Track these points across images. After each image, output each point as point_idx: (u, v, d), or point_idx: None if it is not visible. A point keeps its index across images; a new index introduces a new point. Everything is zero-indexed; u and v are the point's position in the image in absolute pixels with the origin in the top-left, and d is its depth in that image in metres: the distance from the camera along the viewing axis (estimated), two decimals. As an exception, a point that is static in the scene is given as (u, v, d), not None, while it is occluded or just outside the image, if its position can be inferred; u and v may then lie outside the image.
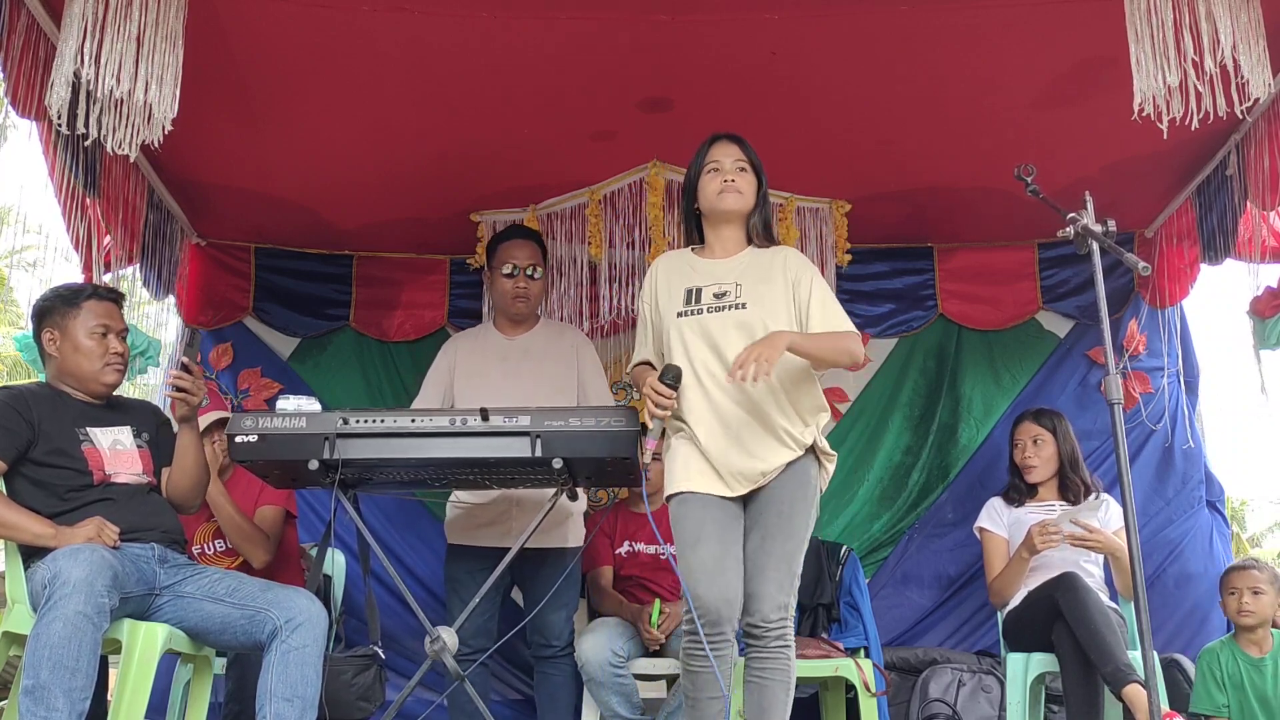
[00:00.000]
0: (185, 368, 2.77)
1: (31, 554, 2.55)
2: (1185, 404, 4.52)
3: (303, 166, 3.92)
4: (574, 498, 2.94)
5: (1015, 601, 3.55)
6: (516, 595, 3.60)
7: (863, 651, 3.68)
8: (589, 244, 4.01)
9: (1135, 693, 2.91)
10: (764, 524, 2.57)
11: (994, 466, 4.42)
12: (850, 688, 3.48)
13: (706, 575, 2.50)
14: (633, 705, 3.33)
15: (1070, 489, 3.70)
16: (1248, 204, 3.68)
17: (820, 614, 3.83)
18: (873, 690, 3.40)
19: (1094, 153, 3.81)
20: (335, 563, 3.91)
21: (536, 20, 3.05)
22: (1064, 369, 4.66)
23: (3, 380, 12.62)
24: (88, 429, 2.71)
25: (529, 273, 3.48)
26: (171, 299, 4.42)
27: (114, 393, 2.85)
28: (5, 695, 3.75)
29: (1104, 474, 4.17)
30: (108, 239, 3.65)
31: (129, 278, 4.10)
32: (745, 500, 2.62)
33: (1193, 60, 2.60)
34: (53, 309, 2.76)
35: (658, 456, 2.99)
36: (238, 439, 2.67)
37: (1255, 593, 3.34)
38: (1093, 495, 3.67)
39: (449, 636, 2.68)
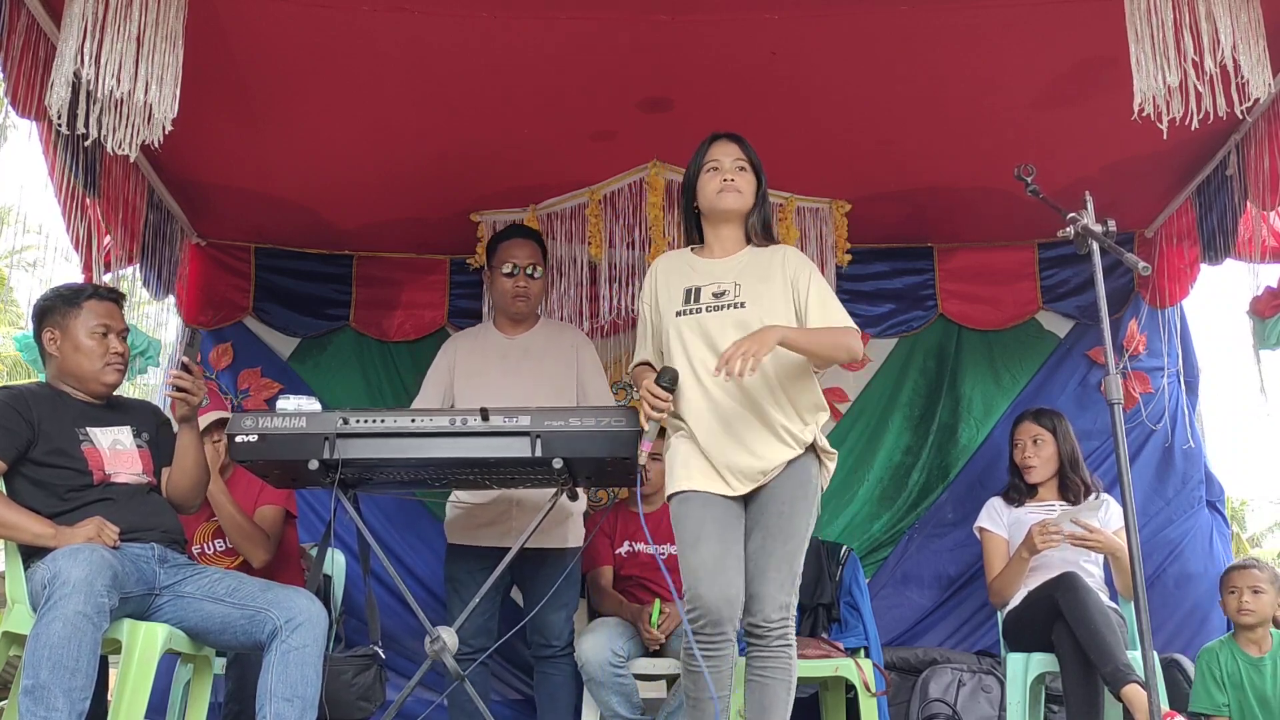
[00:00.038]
0: (185, 367, 2.77)
1: (31, 554, 2.55)
2: (1185, 404, 4.52)
3: (303, 166, 3.92)
4: (574, 498, 2.94)
5: (1015, 601, 3.55)
6: (516, 595, 3.60)
7: (863, 651, 3.68)
8: (589, 244, 4.01)
9: (1135, 693, 2.91)
10: (765, 524, 2.57)
11: (994, 466, 4.42)
12: (850, 688, 3.48)
13: (708, 575, 2.50)
14: (633, 705, 3.33)
15: (1070, 489, 3.70)
16: (1248, 204, 3.69)
17: (820, 614, 3.84)
18: (873, 690, 3.40)
19: (1094, 153, 3.81)
20: (335, 563, 3.91)
21: (536, 20, 3.05)
22: (1064, 369, 4.66)
23: (3, 380, 12.62)
24: (88, 429, 2.71)
25: (529, 272, 3.48)
26: (171, 299, 4.42)
27: (114, 393, 2.85)
28: (5, 695, 3.75)
29: (1104, 474, 4.17)
30: (108, 239, 3.65)
31: (129, 278, 4.10)
32: (746, 500, 2.62)
33: (1193, 60, 2.60)
34: (54, 308, 2.77)
35: (657, 456, 2.99)
36: (238, 439, 2.67)
37: (1255, 592, 3.34)
38: (1093, 495, 3.67)
39: (449, 636, 2.68)
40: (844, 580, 3.88)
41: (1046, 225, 4.21)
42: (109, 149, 2.60)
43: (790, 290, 2.70)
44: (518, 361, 3.47)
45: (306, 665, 2.53)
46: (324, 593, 3.60)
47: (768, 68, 3.29)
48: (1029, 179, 2.60)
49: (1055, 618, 3.20)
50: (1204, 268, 4.25)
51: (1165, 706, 2.95)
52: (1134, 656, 3.03)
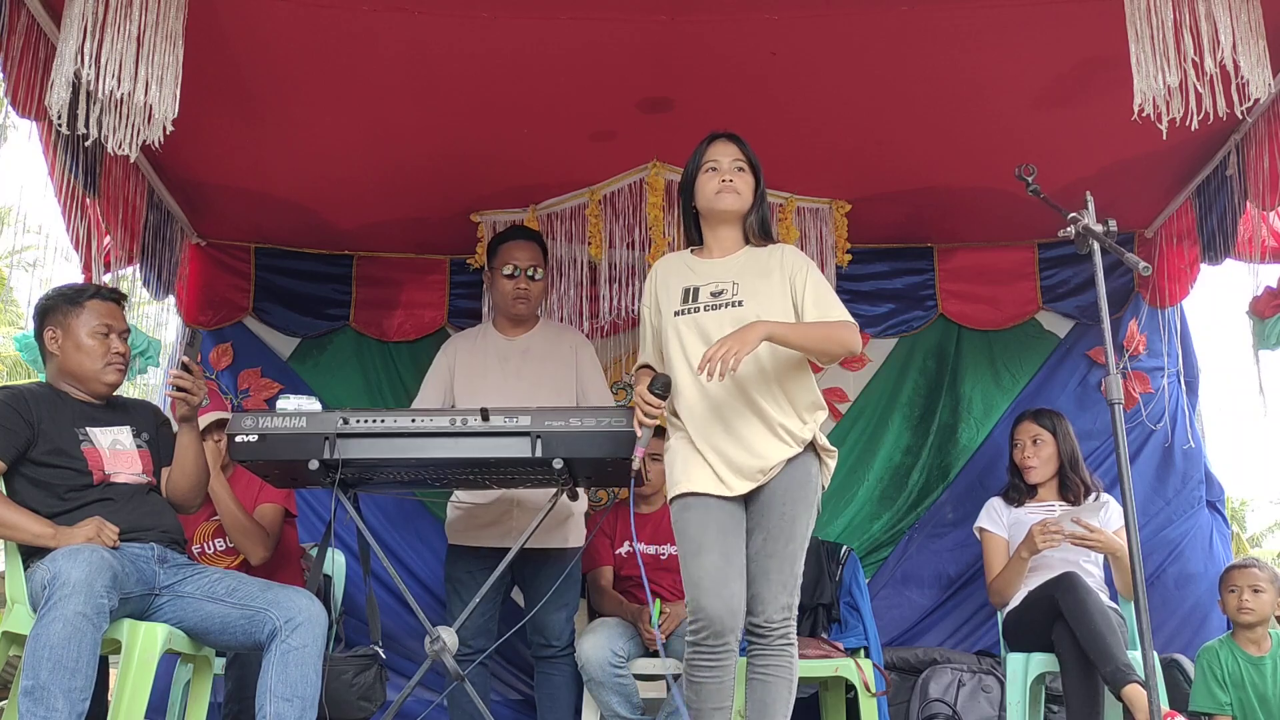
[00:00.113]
0: (185, 367, 2.77)
1: (31, 554, 2.55)
2: (1185, 404, 4.52)
3: (303, 166, 3.92)
4: (574, 498, 2.94)
5: (1015, 601, 3.55)
6: (516, 595, 3.60)
7: (863, 651, 3.68)
8: (589, 244, 4.01)
9: (1135, 693, 2.91)
10: (766, 525, 2.56)
11: (994, 466, 4.42)
12: (850, 688, 3.48)
13: (711, 585, 2.48)
14: (633, 705, 3.33)
15: (1070, 489, 3.70)
16: (1248, 204, 3.69)
17: (820, 614, 3.84)
18: (873, 690, 3.40)
19: (1094, 153, 3.81)
20: (335, 563, 3.91)
21: (537, 20, 3.05)
22: (1064, 369, 4.65)
23: (3, 380, 12.62)
24: (87, 429, 2.72)
25: (530, 273, 3.48)
26: (171, 299, 4.42)
27: (114, 393, 2.85)
28: (5, 695, 3.75)
29: (1104, 474, 4.17)
30: (108, 239, 3.65)
31: (129, 278, 4.10)
32: (746, 500, 2.61)
33: (1193, 60, 2.60)
34: (55, 308, 2.77)
35: (657, 457, 2.99)
36: (238, 439, 2.67)
37: (1255, 591, 3.35)
38: (1093, 495, 3.67)
39: (449, 636, 2.68)
40: (844, 580, 3.88)
41: (1046, 225, 4.21)
42: (109, 149, 2.60)
43: (788, 287, 2.69)
44: (517, 363, 3.47)
45: (306, 665, 2.53)
46: (324, 593, 3.60)
47: (768, 68, 3.29)
48: (1030, 179, 2.60)
49: (1055, 618, 3.20)
50: (1204, 268, 4.25)
51: (1165, 706, 2.95)
52: (1134, 656, 3.03)
